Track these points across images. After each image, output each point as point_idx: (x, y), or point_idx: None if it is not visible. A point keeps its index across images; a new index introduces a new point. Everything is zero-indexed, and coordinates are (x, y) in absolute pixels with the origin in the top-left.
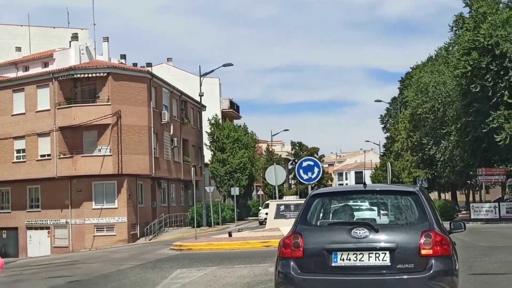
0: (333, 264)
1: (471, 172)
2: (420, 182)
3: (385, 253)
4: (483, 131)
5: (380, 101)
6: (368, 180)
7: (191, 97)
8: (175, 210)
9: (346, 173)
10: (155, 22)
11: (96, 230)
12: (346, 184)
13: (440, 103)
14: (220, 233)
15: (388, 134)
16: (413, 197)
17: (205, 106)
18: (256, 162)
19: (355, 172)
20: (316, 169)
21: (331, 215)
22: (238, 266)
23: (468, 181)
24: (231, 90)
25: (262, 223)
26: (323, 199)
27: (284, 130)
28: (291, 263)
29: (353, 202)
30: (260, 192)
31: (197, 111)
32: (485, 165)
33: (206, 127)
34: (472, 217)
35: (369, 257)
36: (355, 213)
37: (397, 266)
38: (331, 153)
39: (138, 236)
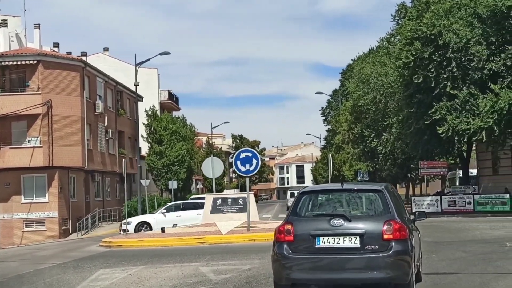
0: (317, 246)
1: (411, 166)
2: (361, 175)
3: (356, 237)
4: (425, 122)
5: (321, 93)
6: (308, 174)
7: (127, 88)
8: (110, 204)
9: (287, 166)
10: (92, 11)
11: (25, 226)
12: (287, 177)
13: (382, 94)
14: (155, 229)
15: (329, 126)
16: (379, 194)
17: (142, 97)
18: (195, 155)
19: (296, 165)
20: (254, 161)
21: (316, 208)
22: (168, 265)
23: (409, 174)
24: (172, 83)
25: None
26: (309, 195)
27: (225, 123)
28: (284, 246)
29: (333, 197)
30: (200, 186)
31: (133, 102)
32: (426, 158)
33: (143, 119)
34: (414, 210)
35: (343, 240)
36: (334, 206)
37: (365, 247)
38: (273, 146)
39: (70, 232)
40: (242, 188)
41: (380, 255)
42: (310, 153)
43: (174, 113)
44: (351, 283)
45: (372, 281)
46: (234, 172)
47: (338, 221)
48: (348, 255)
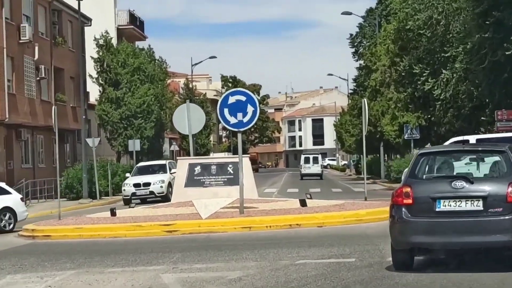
0: (437, 209)
1: (482, 118)
2: (408, 131)
3: (479, 200)
4: (506, 53)
5: (349, 13)
6: (330, 132)
7: (68, 5)
8: (43, 173)
9: (300, 121)
10: None
11: None
12: (300, 136)
13: (441, 12)
14: (107, 209)
15: (361, 62)
16: (503, 155)
17: (90, 19)
18: (167, 103)
19: (313, 119)
20: (250, 108)
21: (435, 170)
22: (112, 269)
23: (478, 130)
24: (139, 5)
25: (130, 201)
26: (428, 156)
27: (210, 58)
28: (403, 209)
29: (453, 159)
30: (175, 147)
31: (78, 26)
32: (506, 106)
33: (91, 51)
34: None
35: (465, 203)
36: (455, 168)
37: (489, 210)
38: (279, 93)
39: None
40: (236, 151)
41: (506, 217)
42: (332, 102)
43: (138, 44)
44: (473, 246)
45: (495, 245)
46: (224, 129)
47: (459, 183)
48: (470, 218)
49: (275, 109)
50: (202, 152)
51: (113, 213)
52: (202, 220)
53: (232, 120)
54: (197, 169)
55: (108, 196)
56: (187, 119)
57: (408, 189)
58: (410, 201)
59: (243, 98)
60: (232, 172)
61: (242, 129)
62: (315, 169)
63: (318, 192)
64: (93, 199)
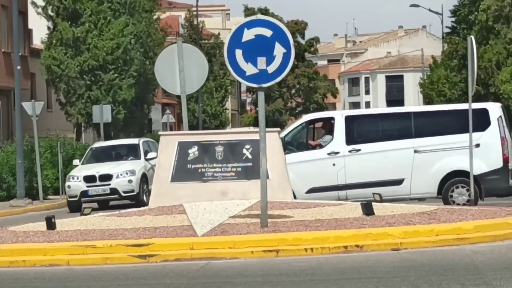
0: None
1: None
2: None
3: None
4: None
5: None
6: (412, 94)
7: None
8: None
9: (367, 78)
10: None
11: None
12: (368, 102)
13: None
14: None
15: None
16: None
17: None
18: (155, 48)
19: (388, 76)
20: (279, 50)
21: None
22: None
23: None
24: None
25: (79, 205)
26: None
27: None
28: None
29: None
30: (170, 119)
31: None
32: None
33: None
34: None
35: None
36: None
37: None
38: (335, 35)
39: None
40: (269, 125)
41: None
42: (416, 50)
43: None
44: None
45: None
46: (249, 91)
47: None
48: None
49: (329, 61)
50: (213, 126)
51: (50, 225)
52: (198, 238)
53: (249, 69)
54: (193, 151)
55: (58, 195)
56: (178, 70)
57: None
58: None
59: (268, 33)
60: (250, 157)
61: (265, 84)
62: None
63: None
64: (34, 200)
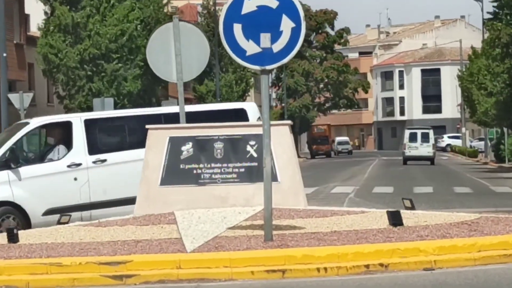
0: None
1: None
2: None
3: None
4: None
5: None
6: (450, 88)
7: None
8: None
9: (401, 72)
10: None
11: None
12: (401, 98)
13: None
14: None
15: None
16: None
17: None
18: None
19: (423, 70)
20: (286, 24)
21: None
22: None
23: None
24: None
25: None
26: None
27: None
28: None
29: None
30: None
31: None
32: None
33: None
34: None
35: None
36: None
37: None
38: (368, 27)
39: None
40: (299, 126)
41: None
42: (454, 41)
43: None
44: None
45: None
46: (276, 85)
47: None
48: None
49: (360, 53)
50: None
51: (12, 237)
52: (187, 254)
53: (251, 47)
54: (187, 149)
55: None
56: (174, 53)
57: None
58: None
59: (273, 3)
60: (255, 155)
61: (270, 66)
62: (424, 150)
63: (429, 194)
64: None
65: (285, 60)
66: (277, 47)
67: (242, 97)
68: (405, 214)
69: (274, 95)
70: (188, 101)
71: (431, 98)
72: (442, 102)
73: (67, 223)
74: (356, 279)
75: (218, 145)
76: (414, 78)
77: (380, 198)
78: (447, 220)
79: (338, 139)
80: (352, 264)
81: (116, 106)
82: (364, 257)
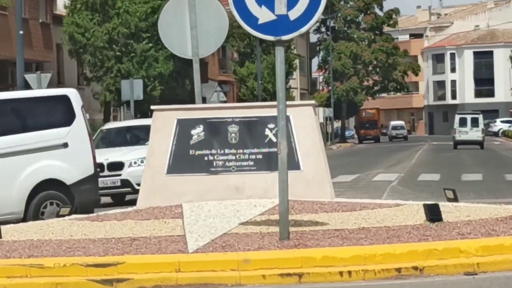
0: None
1: None
2: None
3: None
4: None
5: None
6: (503, 71)
7: None
8: None
9: (452, 55)
10: None
11: None
12: (453, 82)
13: None
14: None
15: None
16: None
17: None
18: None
19: (476, 52)
20: None
21: None
22: None
23: None
24: None
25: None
26: None
27: None
28: None
29: None
30: (222, 97)
31: None
32: None
33: None
34: None
35: None
36: None
37: None
38: (419, 8)
39: None
40: (351, 114)
41: None
42: (508, 23)
43: None
44: None
45: None
46: (322, 68)
47: None
48: None
49: (410, 35)
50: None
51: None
52: (188, 255)
53: (264, 14)
54: (197, 132)
55: None
56: (189, 26)
57: None
58: None
59: None
60: (274, 140)
61: (286, 36)
62: (473, 134)
63: (478, 182)
64: None
65: (303, 30)
66: (294, 14)
67: (285, 79)
68: (445, 207)
69: (320, 78)
70: (229, 83)
71: (484, 82)
72: (495, 86)
73: (68, 215)
74: (386, 285)
75: (233, 129)
76: (466, 61)
77: (425, 187)
78: (494, 215)
79: (392, 123)
80: (381, 267)
81: (146, 89)
82: (395, 259)
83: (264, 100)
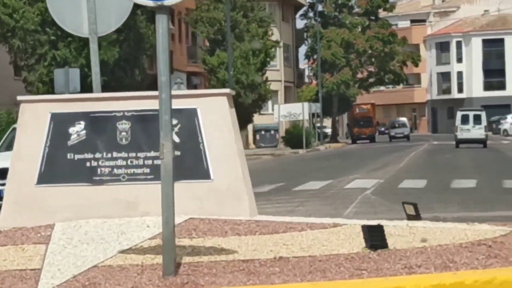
0: None
1: None
2: None
3: None
4: None
5: None
6: None
7: None
8: None
9: (458, 43)
10: None
11: None
12: (459, 73)
13: None
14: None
15: None
16: None
17: None
18: None
19: (485, 40)
20: None
21: None
22: None
23: None
24: None
25: None
26: None
27: None
28: None
29: None
30: (182, 89)
31: None
32: None
33: None
34: None
35: None
36: None
37: None
38: None
39: None
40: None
41: None
42: None
43: None
44: None
45: None
46: (310, 58)
47: None
48: None
49: (411, 21)
50: (250, 101)
51: None
52: None
53: None
54: (77, 130)
55: None
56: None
57: None
58: None
59: None
60: (178, 140)
61: (169, 1)
62: (476, 132)
63: (469, 190)
64: None
65: None
66: None
67: (261, 70)
68: (397, 228)
69: (307, 70)
70: (200, 75)
71: (494, 73)
72: (506, 77)
73: None
74: None
75: (123, 126)
76: (474, 50)
77: (404, 196)
78: (458, 239)
79: (393, 120)
80: None
81: (85, 79)
82: None
83: (238, 93)
